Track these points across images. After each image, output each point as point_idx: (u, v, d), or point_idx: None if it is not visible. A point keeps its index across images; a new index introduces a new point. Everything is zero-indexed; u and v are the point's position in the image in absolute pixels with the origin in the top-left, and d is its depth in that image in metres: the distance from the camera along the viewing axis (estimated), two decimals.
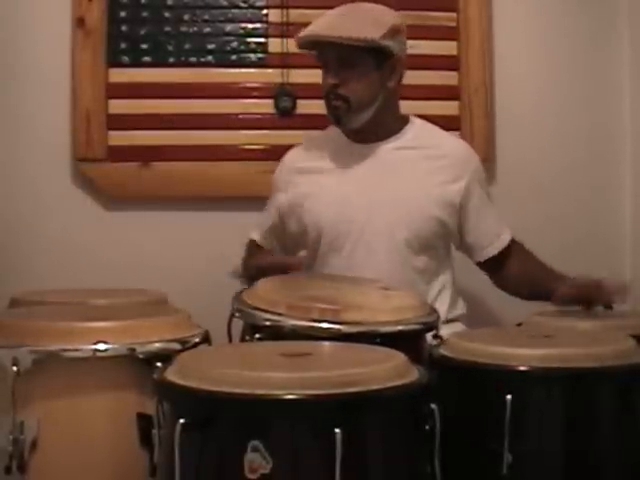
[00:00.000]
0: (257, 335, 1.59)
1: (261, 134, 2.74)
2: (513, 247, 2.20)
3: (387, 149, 2.14)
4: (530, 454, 1.40)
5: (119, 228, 2.73)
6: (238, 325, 1.72)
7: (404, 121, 2.19)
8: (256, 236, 2.28)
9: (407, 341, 1.57)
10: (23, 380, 1.44)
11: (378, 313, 1.61)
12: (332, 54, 2.05)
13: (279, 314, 1.59)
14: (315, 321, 1.55)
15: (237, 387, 1.20)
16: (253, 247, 2.29)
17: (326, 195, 2.13)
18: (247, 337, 1.65)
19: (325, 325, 1.54)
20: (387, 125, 2.14)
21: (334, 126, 2.18)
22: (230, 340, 1.75)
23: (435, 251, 2.14)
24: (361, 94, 2.06)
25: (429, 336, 1.67)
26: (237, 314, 1.69)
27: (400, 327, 1.60)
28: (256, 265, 2.05)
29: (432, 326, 1.67)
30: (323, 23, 2.07)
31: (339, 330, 1.54)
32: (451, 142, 2.22)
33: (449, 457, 1.35)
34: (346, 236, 2.09)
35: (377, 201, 2.09)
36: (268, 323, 1.59)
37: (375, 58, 2.05)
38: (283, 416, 1.21)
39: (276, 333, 1.57)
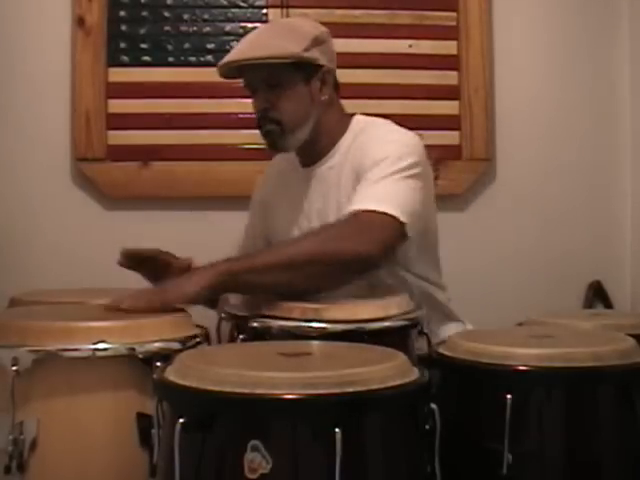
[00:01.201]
0: (241, 336, 1.60)
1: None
2: None
3: (321, 171, 2.00)
4: (530, 454, 1.39)
5: (119, 228, 2.74)
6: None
7: (341, 131, 2.00)
8: None
9: (393, 337, 1.57)
10: (23, 380, 1.44)
11: (360, 310, 1.61)
12: (257, 77, 1.93)
13: (263, 315, 1.61)
14: (302, 321, 1.56)
15: (237, 387, 1.20)
16: None
17: (278, 227, 2.10)
18: (235, 337, 1.65)
19: (314, 324, 1.55)
20: (323, 142, 1.99)
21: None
22: (219, 342, 1.75)
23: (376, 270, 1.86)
24: (293, 114, 1.93)
25: (414, 332, 1.67)
26: (224, 315, 1.70)
27: (387, 323, 1.60)
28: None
29: (417, 322, 1.68)
30: (242, 47, 1.95)
31: (325, 329, 1.55)
32: (371, 144, 1.93)
33: (449, 457, 1.35)
34: None
35: (309, 229, 1.98)
36: (255, 325, 1.60)
37: (302, 73, 1.92)
38: (283, 416, 1.21)
39: (262, 334, 1.58)
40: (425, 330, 1.69)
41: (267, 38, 1.95)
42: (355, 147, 1.96)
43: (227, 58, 1.93)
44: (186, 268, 1.91)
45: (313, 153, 2.01)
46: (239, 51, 1.94)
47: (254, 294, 1.72)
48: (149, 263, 1.96)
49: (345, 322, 1.57)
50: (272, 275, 1.69)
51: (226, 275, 1.65)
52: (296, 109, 1.93)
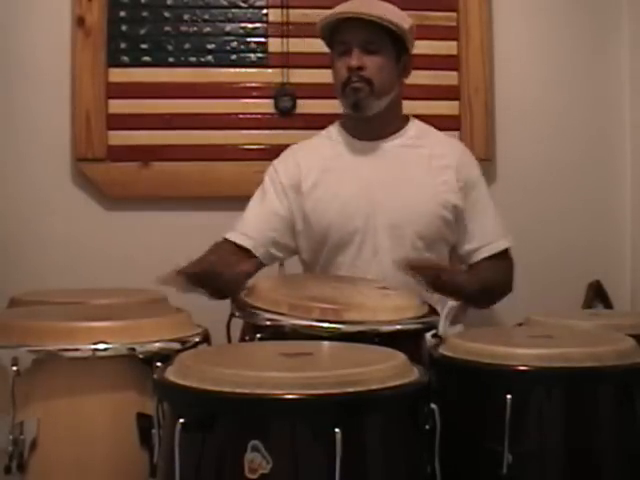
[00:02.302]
0: (258, 335, 1.59)
1: (261, 134, 2.74)
2: (498, 258, 2.17)
3: (391, 146, 2.15)
4: (530, 454, 1.39)
5: (119, 228, 2.74)
6: (237, 325, 1.72)
7: (405, 120, 2.21)
8: (239, 239, 2.13)
9: (407, 340, 1.57)
10: (23, 380, 1.44)
11: (378, 312, 1.61)
12: (359, 37, 2.05)
13: (280, 314, 1.59)
14: (315, 320, 1.55)
15: (237, 387, 1.20)
16: (225, 248, 2.13)
17: (330, 195, 2.12)
18: (247, 337, 1.65)
19: (325, 325, 1.54)
20: (391, 122, 2.16)
21: (334, 126, 2.20)
22: (229, 340, 1.75)
23: (439, 251, 2.14)
24: (384, 80, 2.07)
25: (428, 336, 1.67)
26: (237, 314, 1.69)
27: (399, 326, 1.60)
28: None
29: (431, 325, 1.67)
30: (349, 6, 2.08)
31: (339, 329, 1.54)
32: (451, 144, 2.24)
33: (449, 457, 1.35)
34: (352, 235, 2.09)
35: (381, 199, 2.09)
36: (269, 323, 1.59)
37: (397, 50, 2.08)
38: (283, 416, 1.21)
39: (276, 332, 1.57)
40: (440, 334, 1.68)
41: (377, 7, 2.08)
42: (432, 141, 2.17)
43: (347, 8, 2.06)
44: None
45: (382, 127, 2.14)
46: (350, 7, 2.07)
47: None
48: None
49: (361, 323, 1.56)
50: (480, 295, 1.98)
51: (475, 286, 1.93)
52: (387, 78, 2.08)
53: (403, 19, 2.09)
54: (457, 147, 2.24)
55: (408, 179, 2.12)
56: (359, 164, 2.14)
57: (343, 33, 2.08)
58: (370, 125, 2.14)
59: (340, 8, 2.09)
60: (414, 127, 2.20)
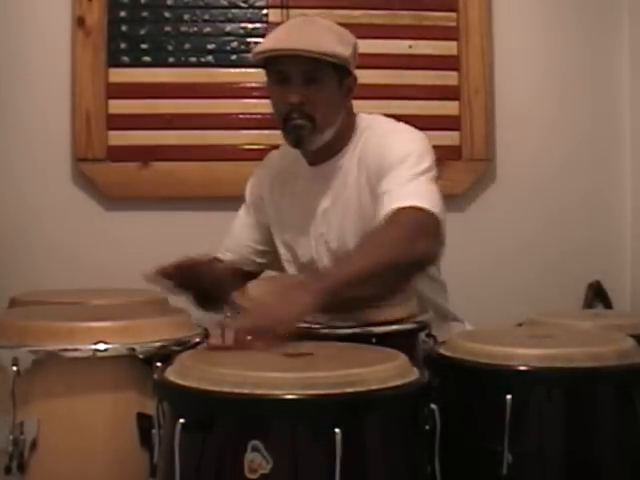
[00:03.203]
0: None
1: (261, 134, 2.74)
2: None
3: (330, 170, 1.98)
4: (530, 454, 1.40)
5: (119, 228, 2.74)
6: None
7: (350, 132, 1.98)
8: (221, 253, 2.15)
9: (400, 340, 1.57)
10: (23, 380, 1.44)
11: (368, 313, 1.61)
12: (297, 69, 1.85)
13: None
14: (311, 323, 1.56)
15: (237, 387, 1.21)
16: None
17: (279, 224, 2.07)
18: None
19: (322, 327, 1.55)
20: (336, 142, 1.95)
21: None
22: (224, 341, 1.75)
23: None
24: (327, 113, 1.88)
25: (422, 335, 1.67)
26: (229, 315, 1.70)
27: (395, 327, 1.60)
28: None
29: (425, 325, 1.68)
30: (285, 36, 1.90)
31: (333, 331, 1.55)
32: (388, 143, 1.91)
33: (449, 457, 1.35)
34: (299, 265, 2.02)
35: (319, 228, 1.98)
36: None
37: (338, 75, 1.89)
38: (283, 416, 1.21)
39: None
40: (433, 333, 1.68)
41: (315, 34, 1.89)
42: (363, 146, 1.95)
43: (273, 44, 1.88)
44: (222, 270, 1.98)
45: (324, 152, 1.97)
46: (284, 40, 1.88)
47: (346, 310, 1.63)
48: (178, 273, 1.93)
49: (353, 325, 1.57)
50: (363, 288, 1.62)
51: (331, 295, 1.57)
52: (331, 109, 1.90)
53: (346, 44, 1.89)
54: (381, 139, 1.92)
55: (341, 203, 1.95)
56: (307, 192, 2.00)
57: (280, 63, 1.87)
58: (315, 151, 1.96)
59: (276, 42, 1.88)
60: (355, 139, 1.96)
